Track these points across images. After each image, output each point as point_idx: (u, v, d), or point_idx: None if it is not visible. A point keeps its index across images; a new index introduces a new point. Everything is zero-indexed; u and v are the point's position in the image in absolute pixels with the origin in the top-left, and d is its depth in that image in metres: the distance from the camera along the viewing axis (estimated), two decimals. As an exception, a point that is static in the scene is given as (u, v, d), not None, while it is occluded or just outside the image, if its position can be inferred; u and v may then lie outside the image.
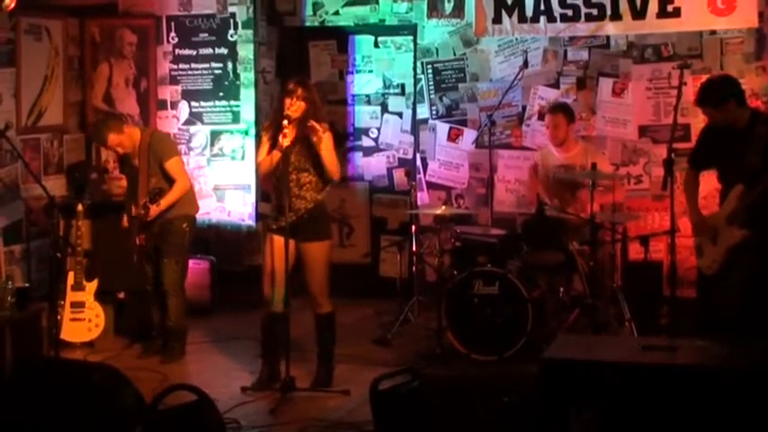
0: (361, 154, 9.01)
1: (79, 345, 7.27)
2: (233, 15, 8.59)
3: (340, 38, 8.95)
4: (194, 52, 8.67)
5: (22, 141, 7.86)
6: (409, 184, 8.30)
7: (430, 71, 8.61)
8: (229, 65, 8.62)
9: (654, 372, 4.39)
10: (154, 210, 6.79)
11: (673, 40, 7.99)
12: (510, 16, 8.15)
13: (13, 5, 7.07)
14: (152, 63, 8.73)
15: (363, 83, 8.97)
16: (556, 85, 8.30)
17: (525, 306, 6.71)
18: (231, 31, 8.60)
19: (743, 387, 4.26)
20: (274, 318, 6.21)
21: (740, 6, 7.57)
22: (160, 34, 8.71)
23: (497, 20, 8.19)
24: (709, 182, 6.59)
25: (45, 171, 8.17)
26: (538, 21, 8.09)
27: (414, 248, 7.95)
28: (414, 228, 7.94)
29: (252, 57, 8.60)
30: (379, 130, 8.96)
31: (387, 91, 8.93)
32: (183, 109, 8.72)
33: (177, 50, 8.70)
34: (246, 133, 8.62)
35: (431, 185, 8.67)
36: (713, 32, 7.86)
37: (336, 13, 8.82)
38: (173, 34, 8.69)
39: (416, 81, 8.69)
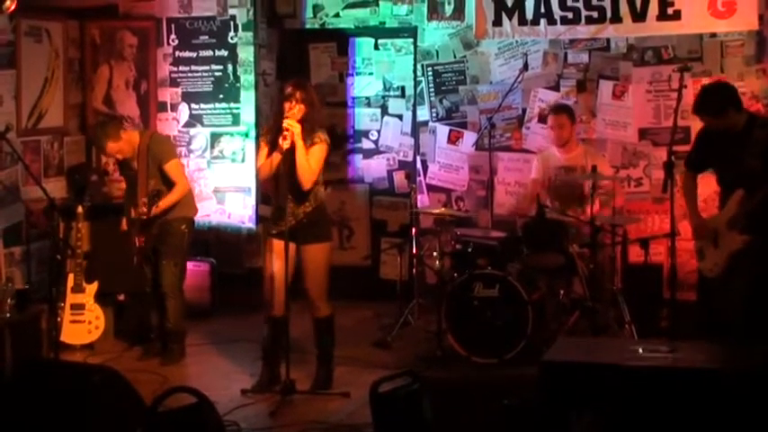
0: (361, 156, 9.01)
1: (79, 347, 7.27)
2: (233, 18, 8.59)
3: (340, 40, 8.95)
4: (194, 54, 8.67)
5: (22, 143, 7.85)
6: (409, 186, 8.30)
7: (430, 73, 8.61)
8: (229, 67, 8.62)
9: (654, 374, 4.39)
10: (152, 211, 6.79)
11: (673, 43, 7.99)
12: (510, 19, 8.15)
13: (13, 7, 7.07)
14: (152, 65, 8.73)
15: (363, 85, 8.97)
16: (556, 88, 8.30)
17: (525, 308, 6.70)
18: (231, 34, 8.60)
19: (744, 390, 4.26)
20: (275, 321, 6.21)
21: (740, 9, 7.57)
22: (160, 36, 8.71)
23: (498, 22, 8.19)
24: (709, 184, 6.59)
25: (45, 173, 8.18)
26: (538, 23, 8.09)
27: (414, 251, 7.94)
28: (414, 230, 7.94)
29: (252, 59, 8.60)
30: (379, 132, 8.96)
31: (387, 93, 8.93)
32: (184, 111, 8.72)
33: (177, 53, 8.70)
34: (247, 135, 8.62)
35: (431, 188, 8.67)
36: (713, 35, 7.86)
37: (337, 15, 8.82)
38: (173, 36, 8.70)
39: (416, 83, 8.69)
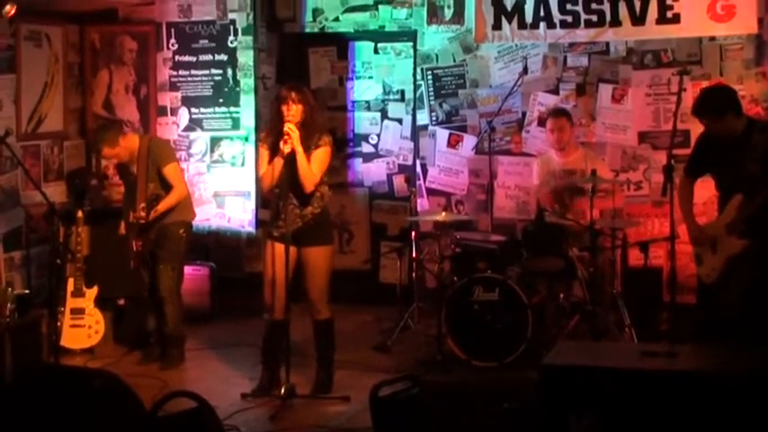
0: (360, 160, 9.02)
1: (79, 351, 7.27)
2: (233, 22, 8.59)
3: (340, 44, 8.96)
4: (194, 59, 8.68)
5: (22, 148, 7.86)
6: (409, 190, 8.30)
7: (430, 77, 8.61)
8: (229, 71, 8.63)
9: (654, 378, 4.38)
10: (150, 215, 6.79)
11: (672, 47, 7.99)
12: (510, 22, 8.15)
13: (13, 12, 7.09)
14: (152, 69, 8.74)
15: (363, 89, 8.98)
16: (555, 92, 8.30)
17: (525, 312, 6.71)
18: (231, 38, 8.61)
19: (743, 393, 4.26)
20: (275, 325, 6.22)
21: (740, 12, 7.57)
22: (160, 41, 8.72)
23: (497, 26, 8.19)
24: (708, 188, 6.58)
25: (45, 177, 8.18)
26: (537, 27, 8.09)
27: (414, 255, 7.95)
28: (414, 234, 7.94)
29: (252, 63, 8.61)
30: (378, 136, 8.97)
31: (386, 97, 8.94)
32: (183, 115, 8.72)
33: (177, 57, 8.71)
34: (246, 140, 8.62)
35: (431, 192, 8.67)
36: (713, 38, 7.86)
37: (336, 19, 8.83)
38: (173, 41, 8.70)
39: (416, 87, 8.69)
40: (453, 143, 8.60)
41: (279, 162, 6.07)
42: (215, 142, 8.70)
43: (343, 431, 5.67)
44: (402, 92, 8.88)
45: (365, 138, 9.00)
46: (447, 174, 8.63)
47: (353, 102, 9.01)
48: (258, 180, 6.68)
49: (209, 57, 8.65)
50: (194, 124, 8.71)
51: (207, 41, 8.65)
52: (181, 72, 8.71)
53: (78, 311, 7.27)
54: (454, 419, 4.97)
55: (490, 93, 8.46)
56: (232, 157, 8.66)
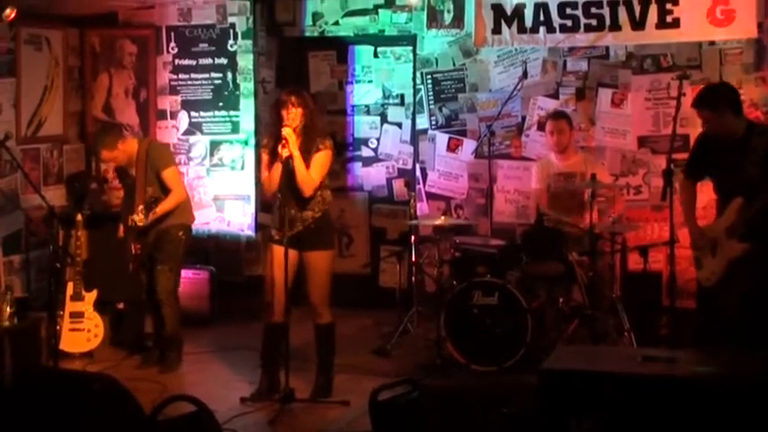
0: (360, 164, 9.01)
1: (78, 355, 7.26)
2: (233, 26, 8.60)
3: (339, 48, 8.96)
4: (194, 62, 8.68)
5: (21, 151, 7.86)
6: (409, 194, 8.30)
7: (429, 81, 8.62)
8: (229, 75, 8.63)
9: (653, 382, 4.38)
10: (149, 218, 6.79)
11: (672, 51, 8.00)
12: (509, 27, 8.16)
13: (13, 16, 7.10)
14: (152, 73, 8.74)
15: (363, 93, 8.98)
16: (555, 96, 8.30)
17: (525, 317, 6.70)
18: (231, 42, 8.61)
19: (743, 397, 4.25)
20: (274, 328, 6.21)
21: (739, 17, 7.57)
22: (160, 44, 8.72)
23: (497, 30, 8.19)
24: (709, 192, 6.57)
25: (45, 181, 8.18)
26: (537, 31, 8.09)
27: (413, 259, 7.95)
28: (413, 238, 7.94)
29: (251, 67, 8.61)
30: (378, 140, 8.97)
31: (386, 101, 8.94)
32: (183, 119, 8.73)
33: (177, 60, 8.71)
34: (246, 143, 8.62)
35: (430, 196, 8.67)
36: (712, 43, 7.87)
37: (336, 23, 8.83)
38: (172, 44, 8.71)
39: (416, 91, 8.70)
40: (453, 147, 8.61)
41: (278, 167, 6.08)
42: (214, 146, 8.70)
43: (342, 435, 5.67)
44: (402, 96, 8.88)
45: (365, 142, 9.00)
46: (446, 178, 8.63)
47: (353, 106, 9.01)
48: (260, 184, 6.67)
49: (208, 60, 8.66)
50: (194, 128, 8.71)
51: (207, 45, 8.65)
52: (180, 76, 8.71)
53: (77, 315, 7.26)
54: (453, 424, 4.97)
55: (490, 97, 8.47)
56: (232, 161, 8.66)
